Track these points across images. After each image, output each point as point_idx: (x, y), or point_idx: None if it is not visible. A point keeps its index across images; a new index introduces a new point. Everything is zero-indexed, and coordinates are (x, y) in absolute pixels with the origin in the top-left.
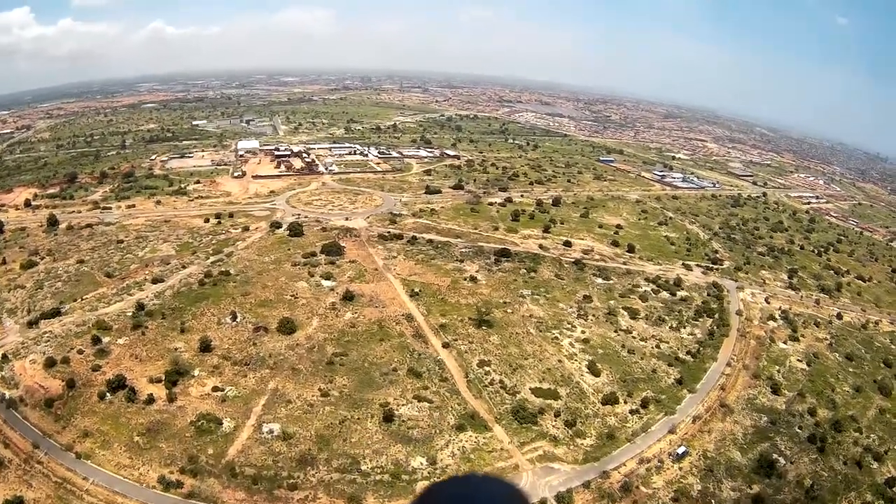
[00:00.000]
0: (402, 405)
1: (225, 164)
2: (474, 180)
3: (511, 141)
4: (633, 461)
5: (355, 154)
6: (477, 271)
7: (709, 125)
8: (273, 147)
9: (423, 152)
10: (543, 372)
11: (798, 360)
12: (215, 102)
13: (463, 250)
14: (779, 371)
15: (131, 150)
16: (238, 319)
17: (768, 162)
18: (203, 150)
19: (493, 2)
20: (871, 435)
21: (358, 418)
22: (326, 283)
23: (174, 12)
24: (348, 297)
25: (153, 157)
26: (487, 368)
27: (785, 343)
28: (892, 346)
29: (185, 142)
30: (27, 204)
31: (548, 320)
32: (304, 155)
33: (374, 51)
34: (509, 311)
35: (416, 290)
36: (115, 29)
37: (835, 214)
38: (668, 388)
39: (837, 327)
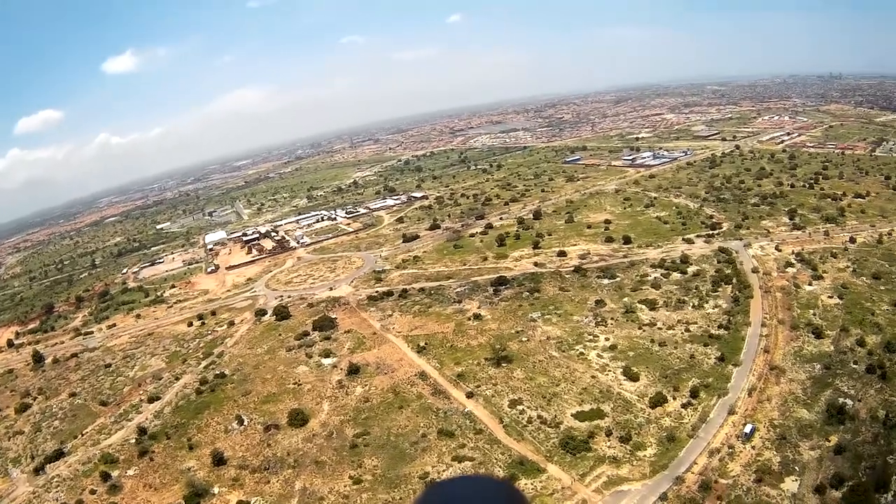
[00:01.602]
0: (443, 471)
1: (197, 262)
2: (449, 216)
3: (474, 167)
4: (703, 456)
5: (323, 220)
6: (479, 308)
7: (660, 98)
8: (240, 233)
9: (389, 201)
10: (580, 393)
11: (828, 296)
12: (175, 202)
13: (458, 290)
14: (814, 314)
15: (102, 267)
16: (245, 422)
17: (729, 115)
18: (172, 253)
19: (420, 43)
20: None
21: (399, 498)
22: (327, 361)
23: (115, 123)
24: (354, 371)
25: (124, 270)
26: (521, 407)
27: (810, 285)
28: None
29: (153, 248)
30: (10, 344)
31: (567, 338)
32: (273, 234)
33: (317, 115)
34: (524, 339)
35: (422, 344)
36: (63, 150)
37: (811, 144)
38: (713, 370)
39: (854, 251)
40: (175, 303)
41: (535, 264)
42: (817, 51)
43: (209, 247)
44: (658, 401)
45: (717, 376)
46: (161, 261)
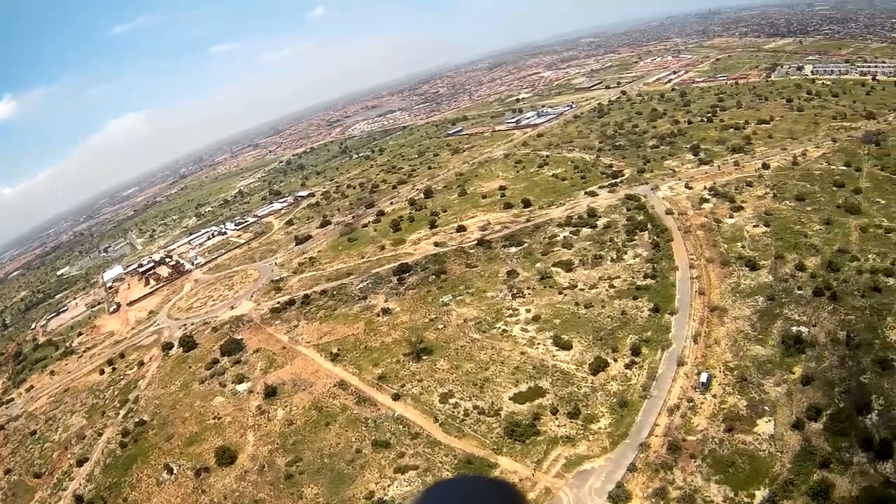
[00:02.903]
0: (388, 486)
1: (99, 303)
2: (338, 210)
3: (356, 156)
4: (663, 416)
5: (214, 237)
6: (386, 301)
7: (535, 57)
8: (136, 265)
9: (276, 205)
10: (513, 373)
11: (753, 226)
12: (71, 244)
13: (361, 286)
14: (743, 247)
15: (13, 326)
16: (175, 471)
17: (609, 64)
18: (75, 298)
19: (288, 41)
20: (868, 256)
21: None
22: (242, 388)
23: (2, 175)
24: (271, 393)
25: (33, 325)
26: (453, 400)
27: (731, 217)
28: (832, 167)
29: (56, 296)
30: None
31: (485, 317)
32: (168, 259)
33: (196, 130)
34: (440, 326)
35: (335, 350)
36: None
37: (700, 80)
38: (649, 323)
39: (770, 177)
40: (84, 351)
41: (436, 244)
42: None
43: (108, 285)
44: (599, 366)
45: (655, 329)
46: (65, 308)
